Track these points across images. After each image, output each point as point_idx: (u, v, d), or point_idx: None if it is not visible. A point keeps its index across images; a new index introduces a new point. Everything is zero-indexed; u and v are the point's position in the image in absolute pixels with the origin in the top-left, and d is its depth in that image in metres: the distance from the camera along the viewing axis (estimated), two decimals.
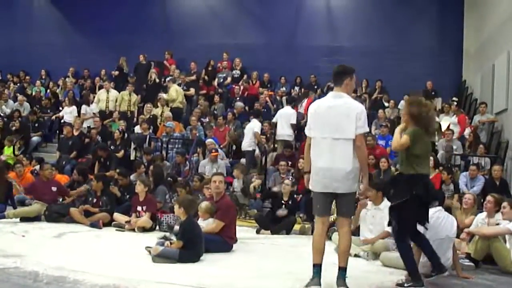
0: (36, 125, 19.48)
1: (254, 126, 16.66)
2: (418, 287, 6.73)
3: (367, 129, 6.68)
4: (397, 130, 6.91)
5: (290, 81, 21.95)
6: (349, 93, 6.65)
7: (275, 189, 14.26)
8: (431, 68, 21.31)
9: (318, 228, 6.55)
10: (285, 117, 16.90)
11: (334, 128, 6.38)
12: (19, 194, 13.64)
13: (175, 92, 19.23)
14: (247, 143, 16.52)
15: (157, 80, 20.88)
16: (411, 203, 6.62)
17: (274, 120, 17.26)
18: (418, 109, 6.73)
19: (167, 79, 20.46)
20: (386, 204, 9.16)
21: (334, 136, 6.37)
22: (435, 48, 21.82)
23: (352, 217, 7.11)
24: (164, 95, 19.39)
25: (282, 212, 12.04)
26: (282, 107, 18.53)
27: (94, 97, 20.26)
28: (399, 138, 6.71)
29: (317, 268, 6.39)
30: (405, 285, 6.83)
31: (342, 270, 6.37)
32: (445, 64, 21.74)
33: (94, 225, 11.67)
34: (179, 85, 20.06)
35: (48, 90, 22.60)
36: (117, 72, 22.58)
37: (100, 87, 20.88)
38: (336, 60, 20.52)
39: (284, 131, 16.81)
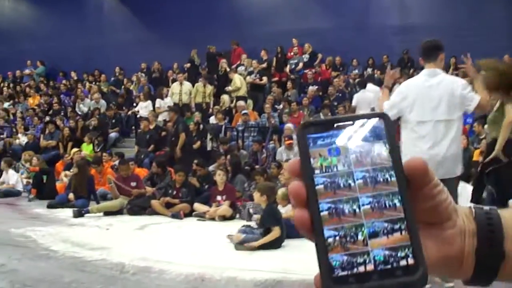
0: (113, 121, 19.83)
1: (373, 96, 16.47)
2: None
3: (478, 97, 5.92)
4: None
5: (363, 63, 21.63)
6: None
7: None
8: (508, 42, 20.56)
9: None
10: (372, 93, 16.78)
11: (436, 109, 5.83)
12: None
13: (239, 81, 19.26)
14: None
15: (228, 69, 20.87)
16: (510, 167, 6.26)
17: (354, 103, 16.89)
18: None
19: (228, 69, 20.45)
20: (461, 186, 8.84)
21: (437, 118, 5.83)
22: (510, 20, 21.06)
23: None
24: (229, 87, 19.47)
25: None
26: (356, 90, 18.27)
27: (167, 90, 20.44)
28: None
29: None
30: None
31: None
32: None
33: (175, 216, 11.80)
34: (251, 73, 20.05)
35: (122, 87, 22.95)
36: (189, 65, 22.77)
37: (174, 81, 21.06)
38: (409, 38, 20.10)
39: (376, 103, 16.70)
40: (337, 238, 0.72)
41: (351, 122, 0.76)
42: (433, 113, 5.85)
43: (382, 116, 0.76)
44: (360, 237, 0.72)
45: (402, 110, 5.99)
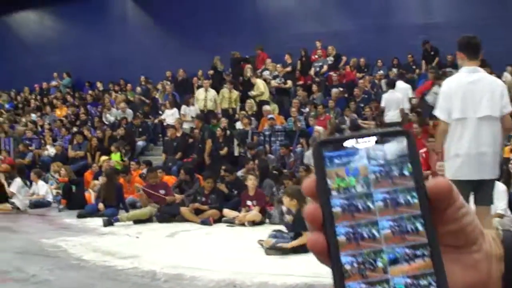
0: (140, 129, 19.92)
1: (402, 96, 16.13)
2: None
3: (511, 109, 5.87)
4: None
5: (387, 63, 21.45)
6: None
7: None
8: None
9: None
10: (402, 92, 16.59)
11: (478, 106, 5.70)
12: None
13: (262, 85, 19.32)
14: (394, 114, 15.92)
15: (251, 75, 20.85)
16: None
17: (383, 104, 16.71)
18: None
19: (251, 74, 20.41)
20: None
21: (479, 115, 5.68)
22: None
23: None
24: (252, 92, 19.47)
25: None
26: (382, 91, 18.16)
27: (193, 98, 20.48)
28: None
29: None
30: None
31: None
32: None
33: (205, 222, 11.81)
34: (276, 77, 20.05)
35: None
36: (212, 72, 22.77)
37: (199, 87, 21.10)
38: (433, 36, 19.97)
39: (405, 105, 16.54)
40: (355, 264, 0.67)
41: (370, 139, 0.71)
42: (475, 109, 5.72)
43: (404, 132, 0.71)
44: (379, 264, 0.67)
45: (450, 110, 5.86)
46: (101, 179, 14.65)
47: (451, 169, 5.78)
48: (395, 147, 0.70)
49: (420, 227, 0.68)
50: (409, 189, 0.69)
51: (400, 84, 17.02)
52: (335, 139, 0.72)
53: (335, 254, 0.68)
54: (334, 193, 0.69)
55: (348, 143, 0.71)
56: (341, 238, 0.68)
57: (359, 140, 0.71)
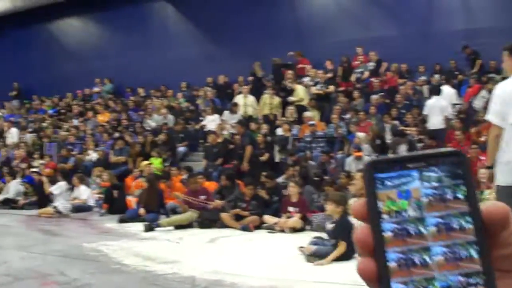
0: (181, 135, 19.99)
1: (446, 104, 15.91)
2: None
3: None
4: None
5: (429, 69, 21.17)
6: None
7: None
8: None
9: None
10: (447, 97, 16.36)
11: None
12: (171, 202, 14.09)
13: (302, 91, 19.36)
14: (438, 121, 15.71)
15: (291, 81, 20.79)
16: None
17: (426, 111, 16.44)
18: None
19: (291, 81, 20.34)
20: None
21: None
22: None
23: None
24: (292, 98, 19.43)
25: None
26: (424, 97, 17.95)
27: (238, 105, 20.46)
28: None
29: None
30: None
31: None
32: None
33: (245, 228, 11.79)
34: (317, 83, 19.98)
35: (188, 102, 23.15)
36: (251, 78, 22.73)
37: (239, 93, 21.10)
38: (476, 43, 19.66)
39: (448, 111, 16.29)
40: None
41: (423, 160, 0.67)
42: None
43: (458, 153, 0.67)
44: None
45: (504, 114, 5.60)
46: (136, 182, 14.70)
47: (501, 175, 5.56)
48: (448, 169, 0.67)
49: (474, 254, 0.65)
50: (463, 213, 0.66)
51: (446, 89, 16.82)
52: (387, 159, 0.69)
53: (385, 282, 0.65)
54: (385, 216, 0.67)
55: (400, 164, 0.68)
56: (392, 264, 0.65)
57: (412, 161, 0.68)
